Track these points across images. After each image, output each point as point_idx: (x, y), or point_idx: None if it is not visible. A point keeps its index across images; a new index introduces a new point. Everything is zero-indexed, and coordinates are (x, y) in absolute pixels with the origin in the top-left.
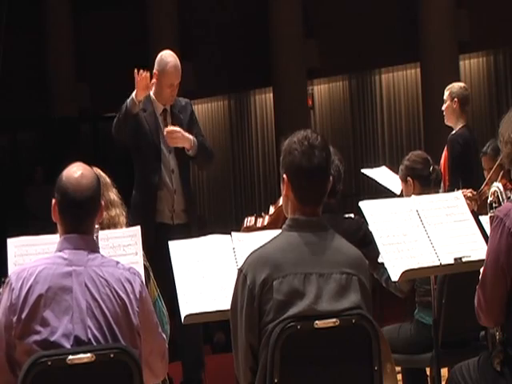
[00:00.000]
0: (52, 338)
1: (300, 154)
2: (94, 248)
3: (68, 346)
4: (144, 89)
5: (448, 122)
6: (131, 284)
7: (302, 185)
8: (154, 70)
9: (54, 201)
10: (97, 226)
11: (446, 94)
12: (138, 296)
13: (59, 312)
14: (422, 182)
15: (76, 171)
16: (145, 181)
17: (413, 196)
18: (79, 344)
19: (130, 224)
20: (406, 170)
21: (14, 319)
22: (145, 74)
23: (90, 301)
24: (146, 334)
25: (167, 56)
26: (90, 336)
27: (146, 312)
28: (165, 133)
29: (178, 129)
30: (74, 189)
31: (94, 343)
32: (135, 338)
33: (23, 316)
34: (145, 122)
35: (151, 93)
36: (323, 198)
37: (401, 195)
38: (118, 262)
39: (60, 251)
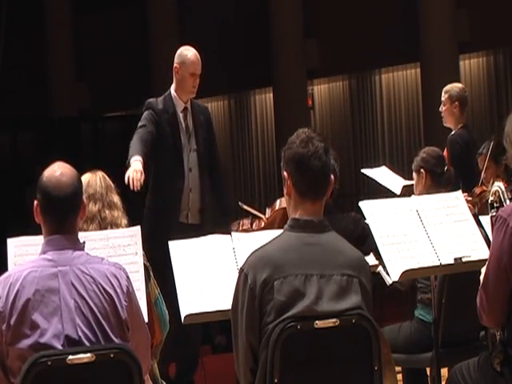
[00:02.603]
0: (42, 340)
1: (298, 144)
2: (78, 246)
3: (59, 346)
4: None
5: (446, 123)
6: (117, 279)
7: (300, 174)
8: (175, 64)
9: (35, 202)
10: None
11: (445, 96)
12: (124, 290)
13: (48, 314)
14: (435, 177)
15: (56, 170)
16: (161, 180)
17: (413, 196)
18: (70, 343)
19: (131, 225)
20: (422, 162)
21: (4, 327)
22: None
23: (78, 299)
24: (133, 329)
25: (187, 49)
26: (80, 334)
27: (133, 307)
28: None
29: None
30: (53, 187)
31: (85, 341)
32: (125, 332)
33: (12, 322)
34: (165, 123)
35: (172, 90)
36: (323, 192)
37: (401, 195)
38: (102, 259)
39: (44, 253)
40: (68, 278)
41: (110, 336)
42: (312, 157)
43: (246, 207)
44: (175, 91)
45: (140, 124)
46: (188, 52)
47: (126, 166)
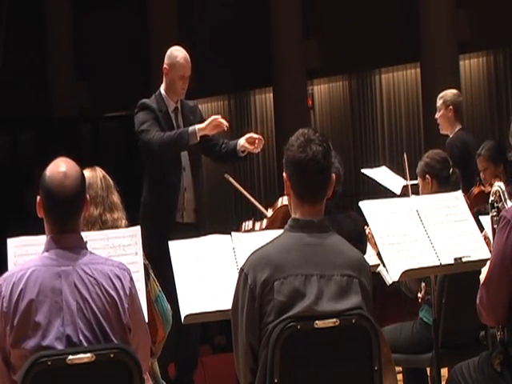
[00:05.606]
0: (45, 343)
1: (296, 147)
2: (81, 245)
3: (61, 348)
4: (214, 128)
5: (443, 130)
6: (120, 280)
7: (298, 178)
8: (164, 65)
9: (38, 197)
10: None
11: (440, 102)
12: (127, 292)
13: (50, 315)
14: (441, 181)
15: (59, 171)
16: (157, 179)
17: (412, 196)
18: (71, 346)
19: (131, 224)
20: (426, 167)
21: (8, 328)
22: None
23: (80, 301)
24: (133, 328)
25: (177, 49)
26: (81, 337)
27: (135, 308)
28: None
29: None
30: (57, 190)
31: (85, 344)
32: (126, 335)
33: (15, 323)
34: (162, 121)
35: (162, 90)
36: (322, 195)
37: (401, 195)
38: (106, 259)
39: (47, 251)
40: (71, 279)
41: (111, 338)
42: (309, 162)
43: (231, 180)
44: (165, 91)
45: (146, 125)
46: (178, 54)
47: (186, 142)
